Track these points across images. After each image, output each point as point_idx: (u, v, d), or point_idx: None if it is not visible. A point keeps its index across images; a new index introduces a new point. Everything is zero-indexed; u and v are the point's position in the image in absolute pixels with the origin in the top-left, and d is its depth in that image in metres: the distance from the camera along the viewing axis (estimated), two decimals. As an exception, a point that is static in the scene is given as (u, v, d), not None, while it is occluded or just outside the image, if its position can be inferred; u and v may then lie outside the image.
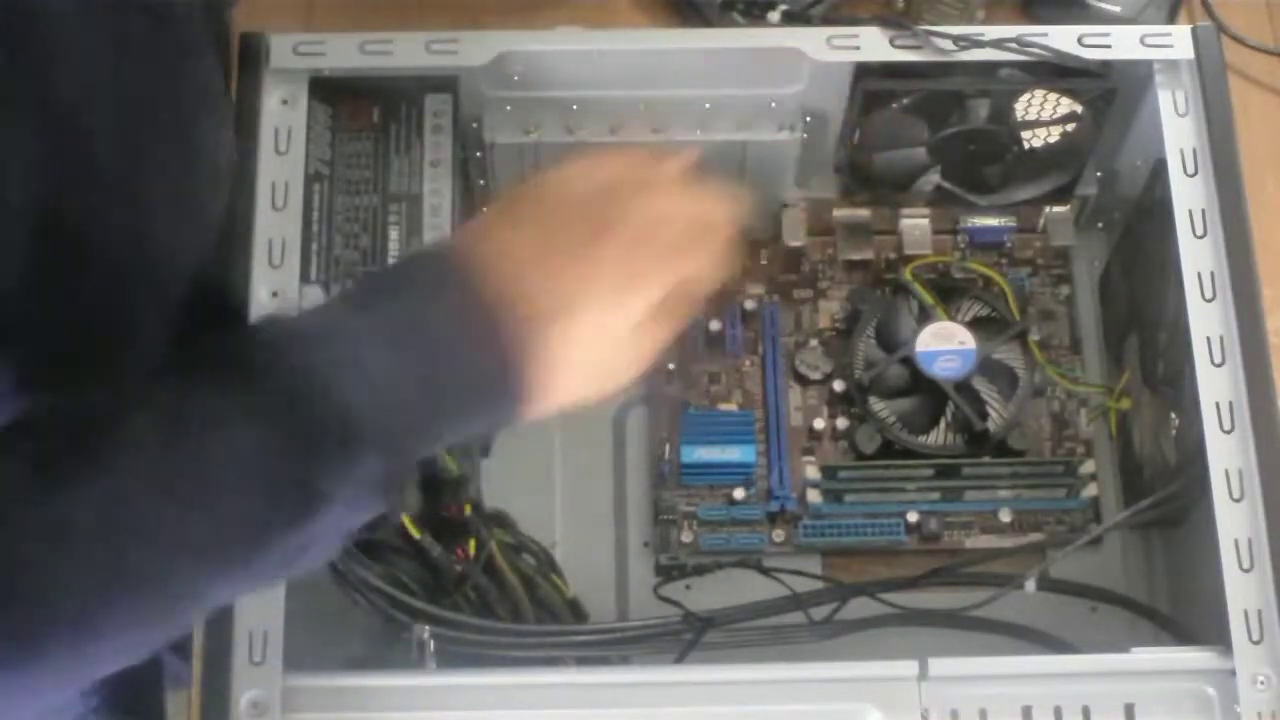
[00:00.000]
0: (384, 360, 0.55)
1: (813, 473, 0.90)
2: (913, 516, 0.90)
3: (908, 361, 0.90)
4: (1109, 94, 0.85)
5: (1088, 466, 0.90)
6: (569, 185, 0.62)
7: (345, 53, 0.82)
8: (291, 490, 0.54)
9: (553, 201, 0.62)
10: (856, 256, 0.95)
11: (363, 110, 0.83)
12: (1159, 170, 0.83)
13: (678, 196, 0.64)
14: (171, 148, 0.64)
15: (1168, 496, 0.81)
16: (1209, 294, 0.78)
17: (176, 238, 0.65)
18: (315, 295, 0.78)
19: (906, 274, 0.93)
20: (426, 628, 0.76)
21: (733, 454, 0.90)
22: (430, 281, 0.58)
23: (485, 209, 0.64)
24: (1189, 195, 0.80)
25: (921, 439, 0.90)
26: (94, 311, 0.60)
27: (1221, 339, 0.77)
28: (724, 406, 0.93)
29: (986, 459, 0.90)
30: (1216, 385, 0.76)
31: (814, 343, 0.95)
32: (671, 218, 0.62)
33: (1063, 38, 0.83)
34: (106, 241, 0.59)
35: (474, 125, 0.86)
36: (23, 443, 0.53)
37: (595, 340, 0.60)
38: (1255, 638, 0.71)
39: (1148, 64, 0.83)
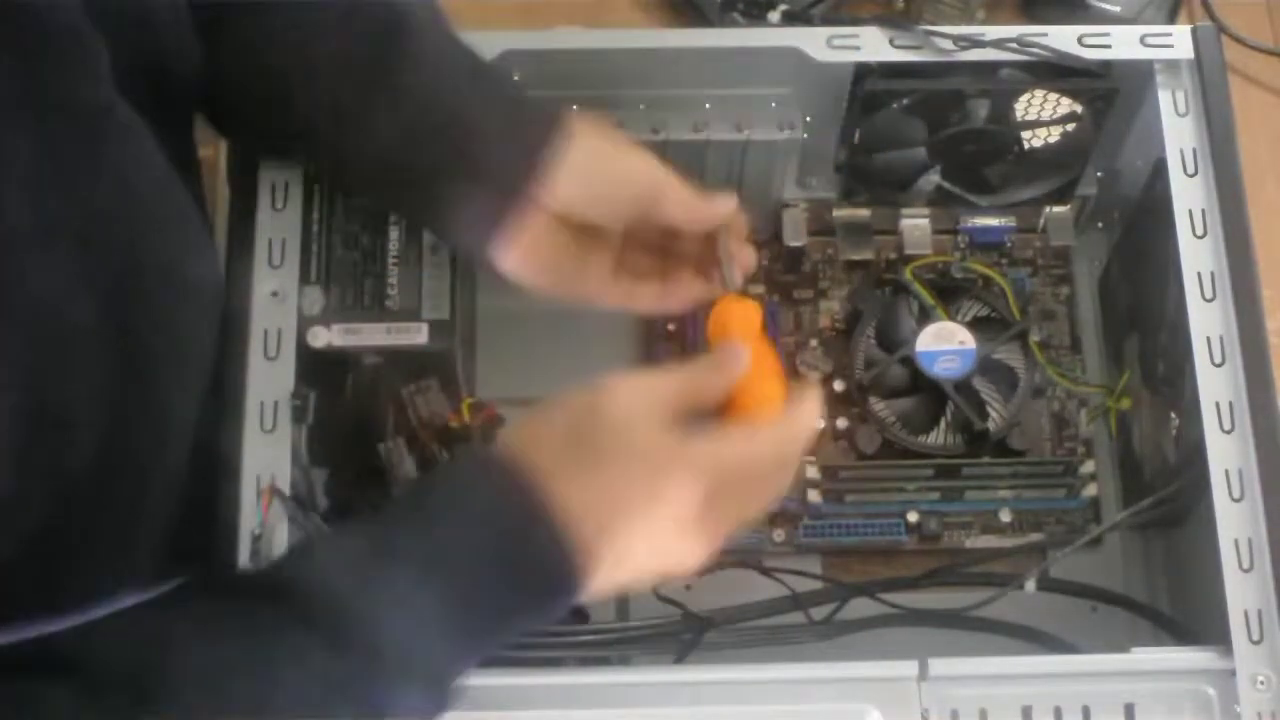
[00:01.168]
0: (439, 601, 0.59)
1: (813, 472, 0.90)
2: (913, 516, 0.90)
3: (908, 361, 0.90)
4: (1109, 94, 0.85)
5: (1088, 466, 0.90)
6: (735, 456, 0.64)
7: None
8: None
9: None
10: (856, 256, 0.95)
11: (363, 110, 0.83)
12: (1159, 170, 0.83)
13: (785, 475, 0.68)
14: (155, 309, 0.64)
15: (1168, 496, 0.81)
16: (1209, 294, 0.78)
17: (173, 385, 0.66)
18: (315, 295, 0.78)
19: (906, 274, 0.93)
20: (427, 628, 0.76)
21: (733, 454, 0.90)
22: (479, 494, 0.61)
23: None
24: (1189, 195, 0.80)
25: (921, 439, 0.90)
26: (92, 480, 0.60)
27: (1221, 339, 0.77)
28: (724, 406, 0.93)
29: (986, 459, 0.90)
30: (1216, 385, 0.76)
31: (814, 343, 0.95)
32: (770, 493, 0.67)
33: (1063, 38, 0.83)
34: (97, 414, 0.60)
35: (474, 125, 0.86)
36: (71, 679, 0.53)
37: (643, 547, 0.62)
38: (1255, 638, 0.71)
39: (1148, 64, 0.83)
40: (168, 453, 0.66)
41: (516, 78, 0.84)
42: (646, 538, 0.62)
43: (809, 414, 0.68)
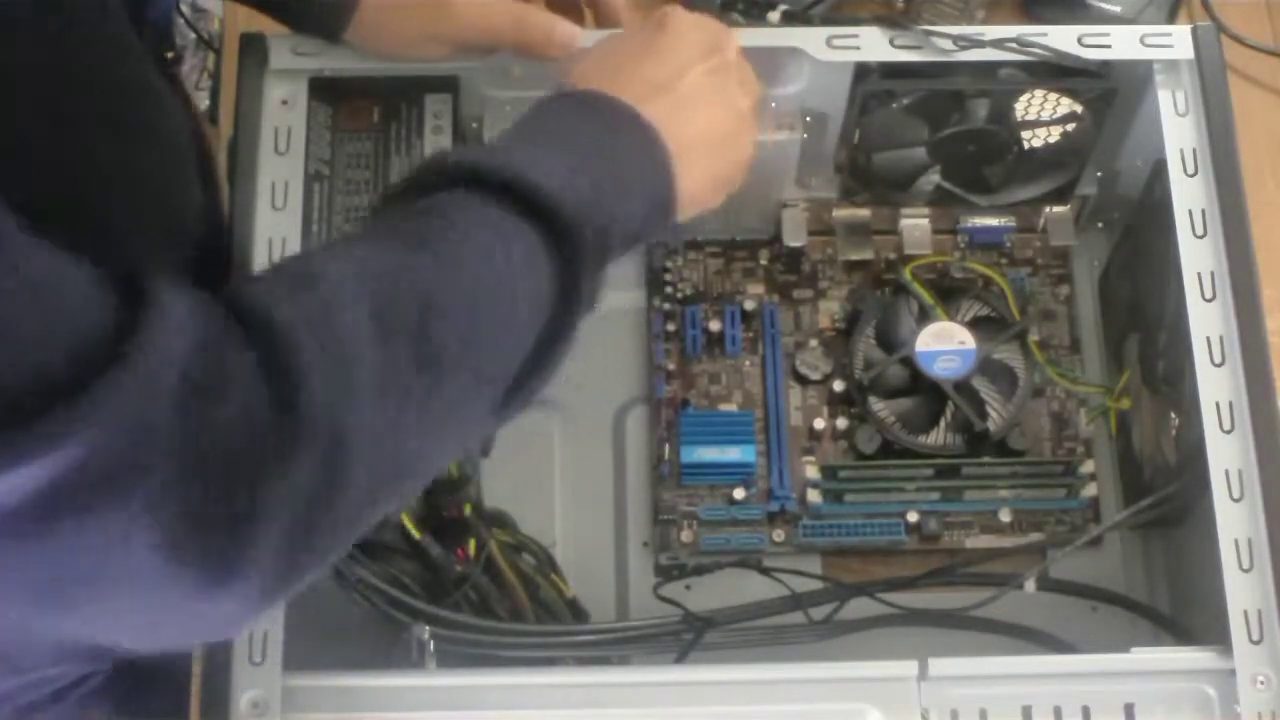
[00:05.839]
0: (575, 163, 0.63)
1: (813, 473, 0.90)
2: (913, 516, 0.90)
3: (908, 361, 0.90)
4: (1109, 94, 0.85)
5: (1088, 466, 0.90)
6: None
7: (345, 53, 0.82)
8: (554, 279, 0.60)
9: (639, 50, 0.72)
10: (856, 256, 0.95)
11: (363, 110, 0.83)
12: (1159, 170, 0.83)
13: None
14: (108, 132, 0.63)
15: (1168, 496, 0.81)
16: (1209, 294, 0.78)
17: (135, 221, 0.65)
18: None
19: (906, 274, 0.93)
20: (426, 628, 0.76)
21: (733, 454, 0.90)
22: (578, 109, 0.68)
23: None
24: (1189, 195, 0.80)
25: (921, 439, 0.90)
26: None
27: (1221, 339, 0.77)
28: (724, 406, 0.93)
29: (986, 459, 0.90)
30: (1216, 385, 0.76)
31: (814, 343, 0.95)
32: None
33: (1063, 38, 0.83)
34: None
35: (474, 125, 0.86)
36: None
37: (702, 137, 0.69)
38: (1255, 638, 0.71)
39: (1148, 64, 0.83)
40: None
41: (516, 76, 0.84)
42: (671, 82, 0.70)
43: None
